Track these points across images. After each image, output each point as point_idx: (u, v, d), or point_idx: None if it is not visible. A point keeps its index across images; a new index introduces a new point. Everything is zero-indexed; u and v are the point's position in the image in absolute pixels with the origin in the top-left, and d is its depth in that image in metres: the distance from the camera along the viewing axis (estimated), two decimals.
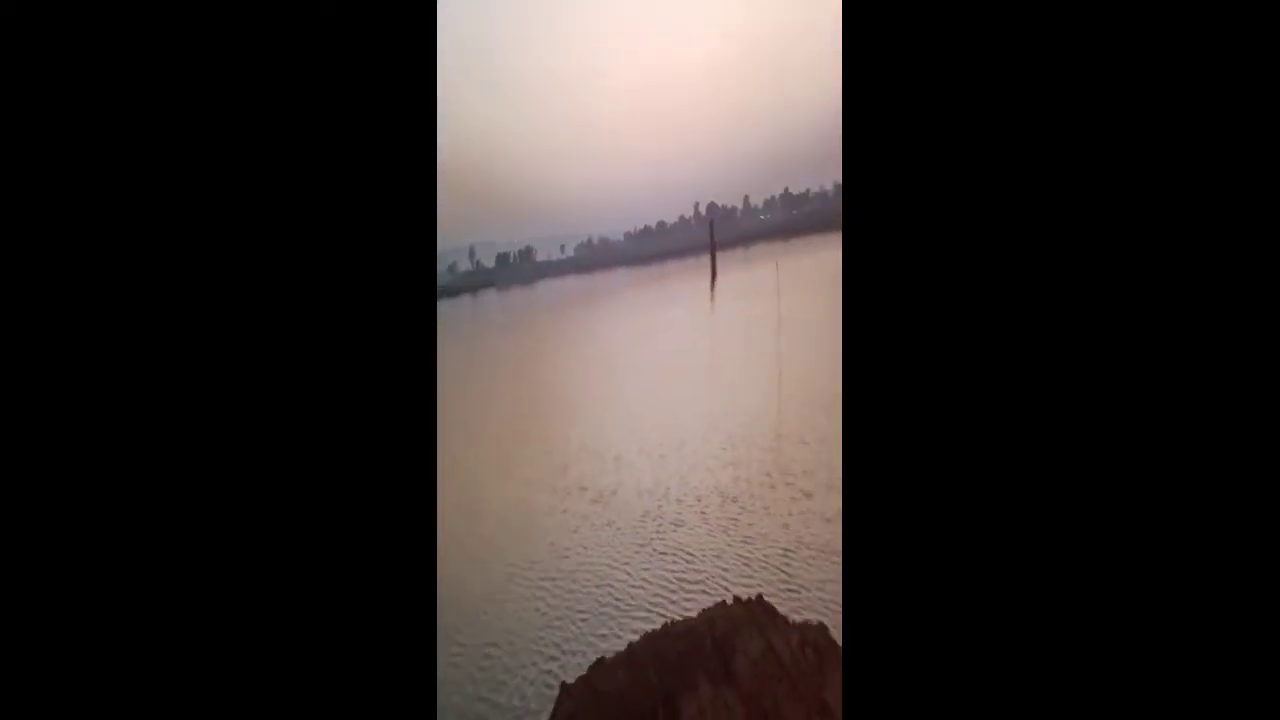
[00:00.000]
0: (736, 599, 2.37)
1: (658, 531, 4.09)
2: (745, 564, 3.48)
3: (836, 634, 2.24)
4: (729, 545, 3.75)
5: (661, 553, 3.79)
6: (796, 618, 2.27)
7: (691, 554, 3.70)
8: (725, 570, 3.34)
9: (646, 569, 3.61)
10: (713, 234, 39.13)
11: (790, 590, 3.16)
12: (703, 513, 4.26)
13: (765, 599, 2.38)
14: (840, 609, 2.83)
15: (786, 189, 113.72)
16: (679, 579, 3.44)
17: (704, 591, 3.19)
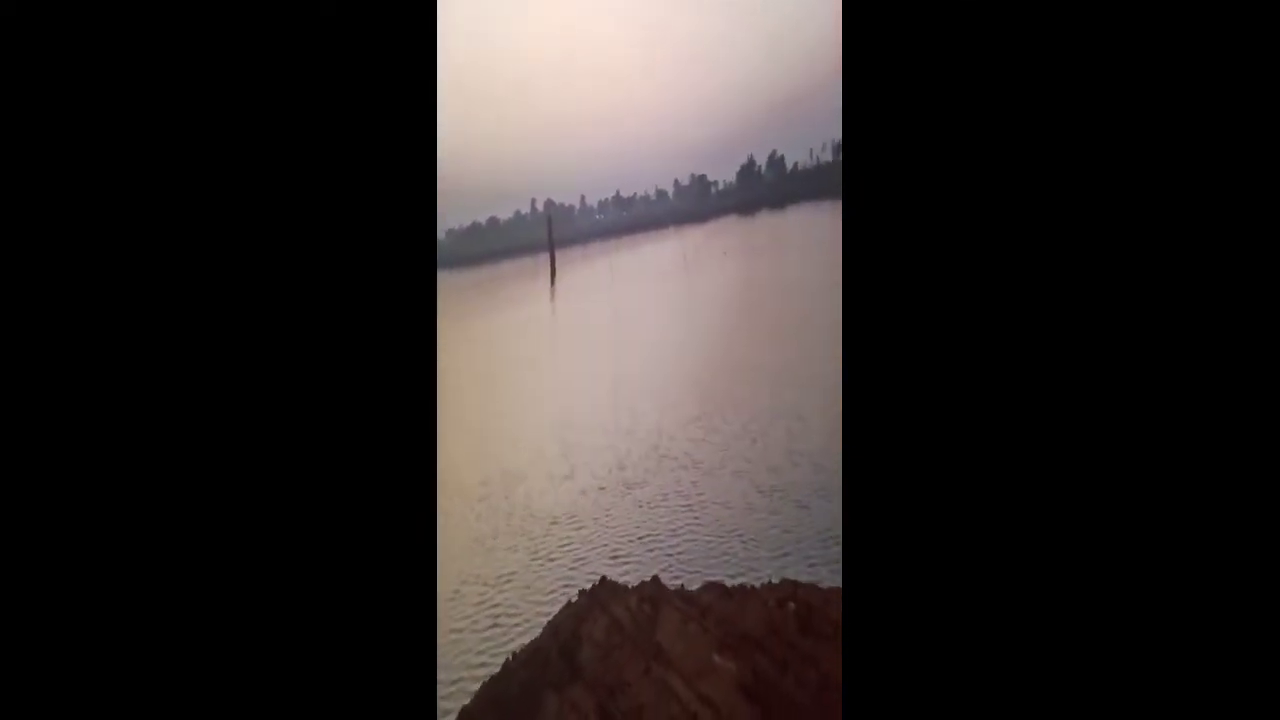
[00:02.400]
0: (581, 592, 2.40)
1: (477, 605, 3.38)
2: (567, 588, 3.28)
3: (672, 578, 2.43)
4: (555, 581, 3.51)
5: (479, 631, 3.15)
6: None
7: (513, 612, 3.30)
8: (548, 615, 2.71)
9: (453, 669, 2.82)
10: (551, 233, 38.88)
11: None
12: (532, 553, 3.97)
13: (608, 579, 2.46)
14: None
15: (618, 192, 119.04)
16: (497, 651, 2.79)
17: (524, 636, 2.73)
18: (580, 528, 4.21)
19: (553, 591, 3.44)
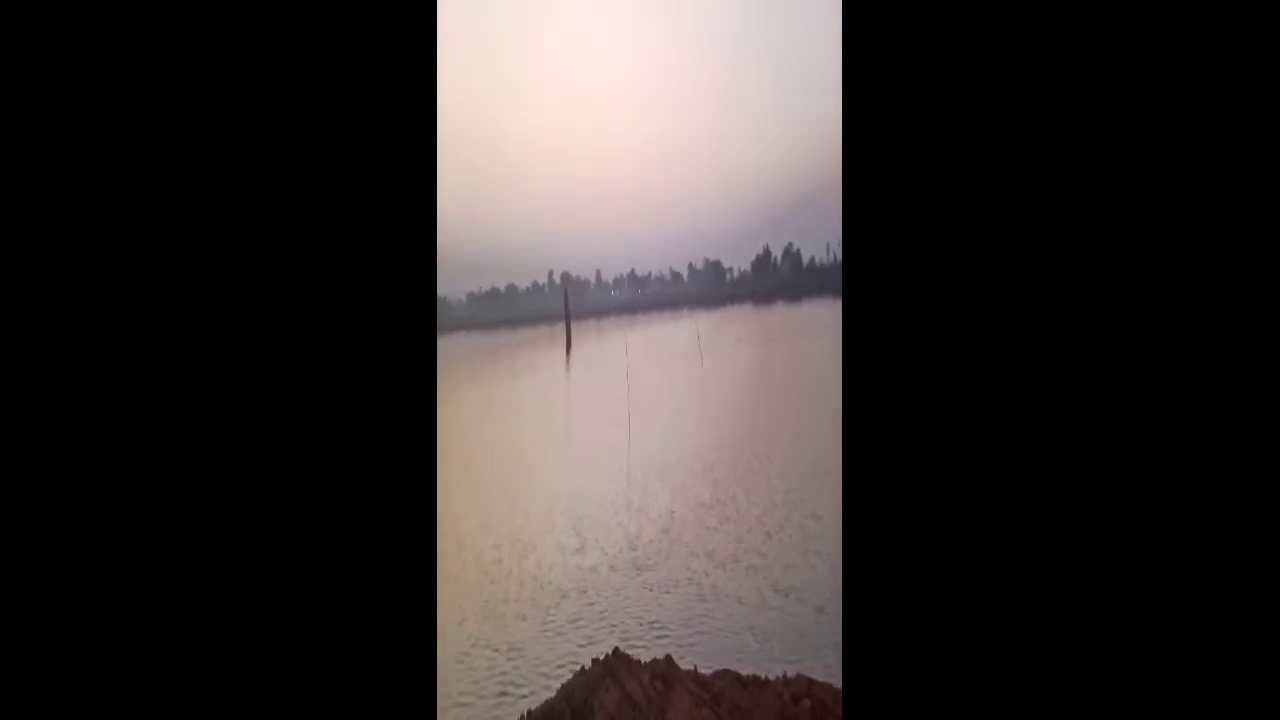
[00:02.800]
0: (594, 660, 2.40)
1: (486, 673, 3.34)
2: (575, 664, 3.12)
3: (682, 663, 2.35)
4: (565, 657, 3.42)
5: (486, 701, 3.11)
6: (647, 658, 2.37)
7: (520, 685, 3.25)
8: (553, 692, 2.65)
9: None
10: (567, 304, 40.50)
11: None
12: (541, 625, 3.90)
13: (620, 650, 2.45)
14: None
15: (633, 270, 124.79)
16: None
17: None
18: (590, 604, 4.13)
19: (561, 667, 3.33)
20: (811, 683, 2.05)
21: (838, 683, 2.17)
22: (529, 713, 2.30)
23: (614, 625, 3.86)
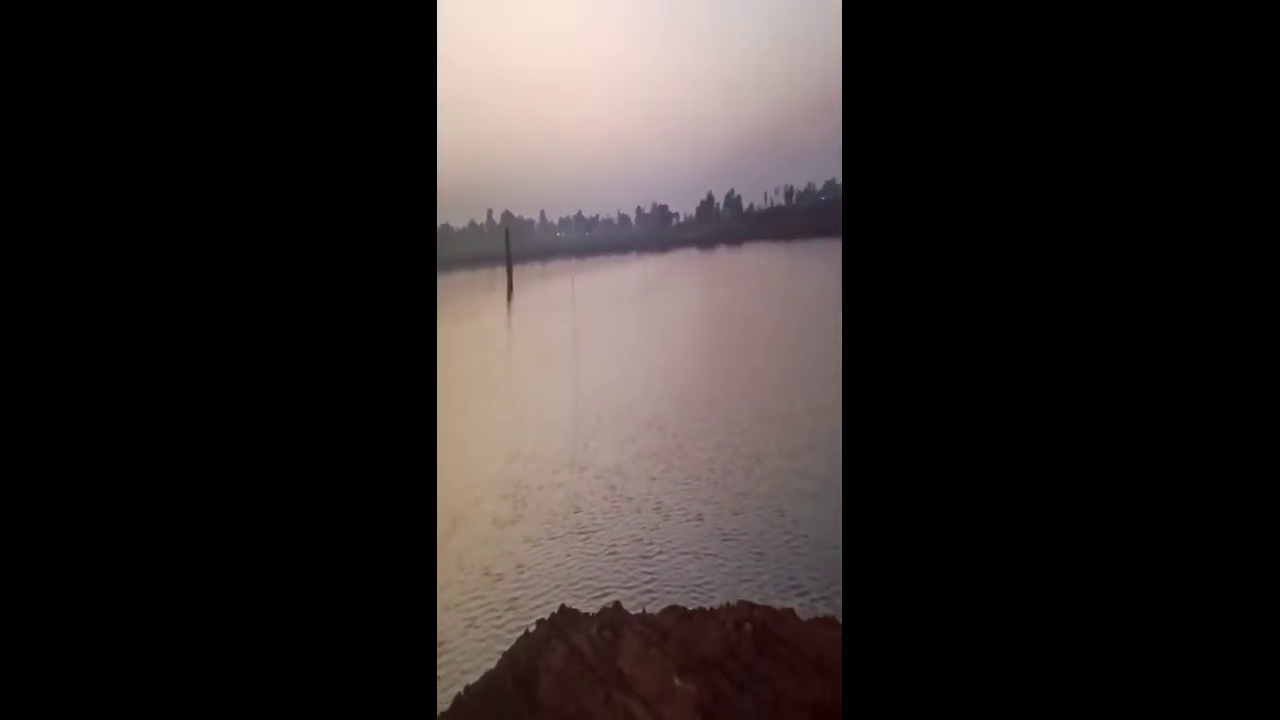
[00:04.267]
0: (539, 622, 2.28)
1: None
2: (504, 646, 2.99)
3: (629, 606, 2.26)
4: (495, 632, 3.19)
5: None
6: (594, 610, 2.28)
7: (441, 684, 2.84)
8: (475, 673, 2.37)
9: None
10: (509, 245, 37.93)
11: None
12: (469, 616, 3.48)
13: (567, 606, 2.32)
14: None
15: (580, 212, 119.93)
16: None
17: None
18: (525, 579, 3.86)
19: (491, 661, 3.09)
20: (753, 607, 2.11)
21: (777, 606, 2.26)
22: (466, 688, 2.09)
23: (547, 599, 3.60)
